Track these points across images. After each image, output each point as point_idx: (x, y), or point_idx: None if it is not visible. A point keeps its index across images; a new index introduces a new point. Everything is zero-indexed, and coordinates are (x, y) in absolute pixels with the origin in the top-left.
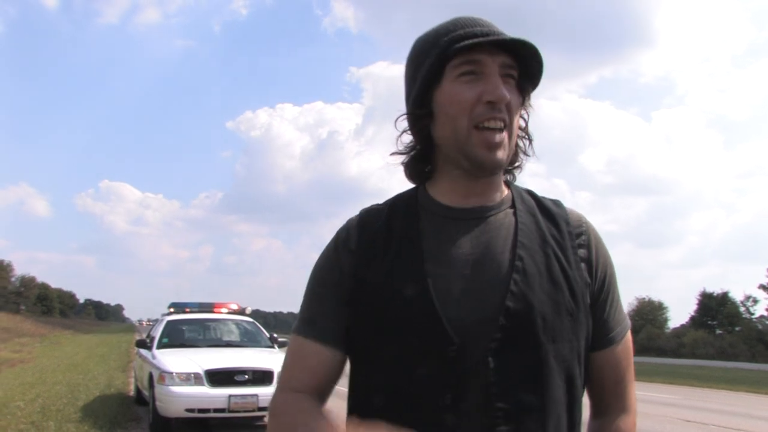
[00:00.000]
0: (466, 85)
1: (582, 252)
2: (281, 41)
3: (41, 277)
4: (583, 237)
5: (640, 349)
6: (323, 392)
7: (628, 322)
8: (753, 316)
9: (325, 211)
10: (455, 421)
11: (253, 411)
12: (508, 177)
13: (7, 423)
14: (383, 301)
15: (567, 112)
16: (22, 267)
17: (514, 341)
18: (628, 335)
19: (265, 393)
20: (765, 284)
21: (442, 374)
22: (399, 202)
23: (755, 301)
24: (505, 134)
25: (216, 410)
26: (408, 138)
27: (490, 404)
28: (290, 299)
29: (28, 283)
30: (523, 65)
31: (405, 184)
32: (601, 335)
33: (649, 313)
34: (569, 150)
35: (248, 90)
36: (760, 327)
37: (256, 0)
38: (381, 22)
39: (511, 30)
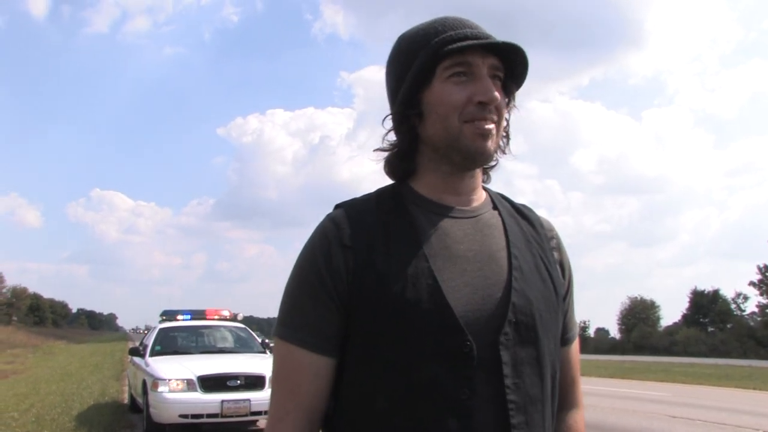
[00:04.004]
0: (456, 86)
1: (555, 254)
2: (271, 47)
3: (33, 288)
4: (554, 240)
5: (633, 348)
6: (323, 410)
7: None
8: (744, 313)
9: (317, 217)
10: (471, 415)
11: (246, 416)
12: (484, 177)
13: None
14: (392, 299)
15: (559, 113)
16: (13, 278)
17: (520, 336)
18: (577, 339)
19: (258, 398)
20: (755, 281)
21: (458, 369)
22: (384, 196)
23: (746, 298)
24: (494, 129)
25: (209, 415)
26: (392, 136)
27: (502, 397)
28: None
29: (19, 293)
30: (509, 66)
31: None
32: (563, 333)
33: (642, 312)
34: (561, 151)
35: (239, 96)
36: (751, 323)
37: (247, 7)
38: (371, 27)
39: (503, 34)
